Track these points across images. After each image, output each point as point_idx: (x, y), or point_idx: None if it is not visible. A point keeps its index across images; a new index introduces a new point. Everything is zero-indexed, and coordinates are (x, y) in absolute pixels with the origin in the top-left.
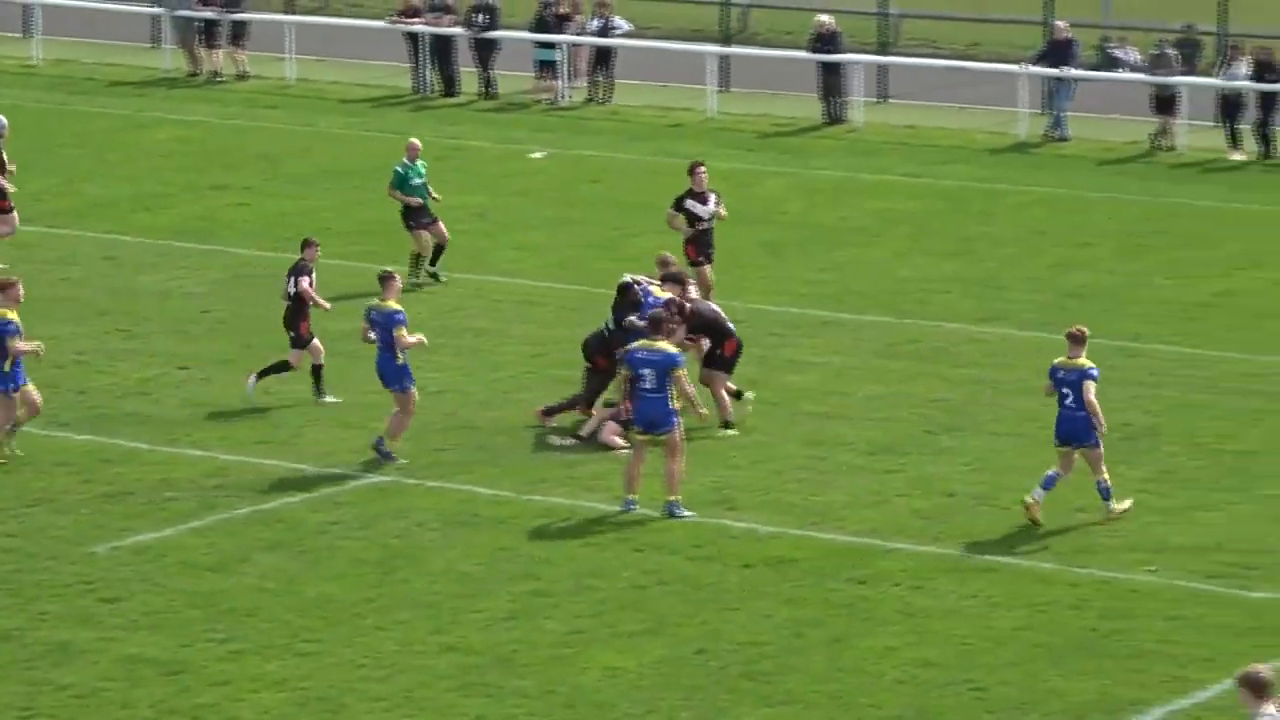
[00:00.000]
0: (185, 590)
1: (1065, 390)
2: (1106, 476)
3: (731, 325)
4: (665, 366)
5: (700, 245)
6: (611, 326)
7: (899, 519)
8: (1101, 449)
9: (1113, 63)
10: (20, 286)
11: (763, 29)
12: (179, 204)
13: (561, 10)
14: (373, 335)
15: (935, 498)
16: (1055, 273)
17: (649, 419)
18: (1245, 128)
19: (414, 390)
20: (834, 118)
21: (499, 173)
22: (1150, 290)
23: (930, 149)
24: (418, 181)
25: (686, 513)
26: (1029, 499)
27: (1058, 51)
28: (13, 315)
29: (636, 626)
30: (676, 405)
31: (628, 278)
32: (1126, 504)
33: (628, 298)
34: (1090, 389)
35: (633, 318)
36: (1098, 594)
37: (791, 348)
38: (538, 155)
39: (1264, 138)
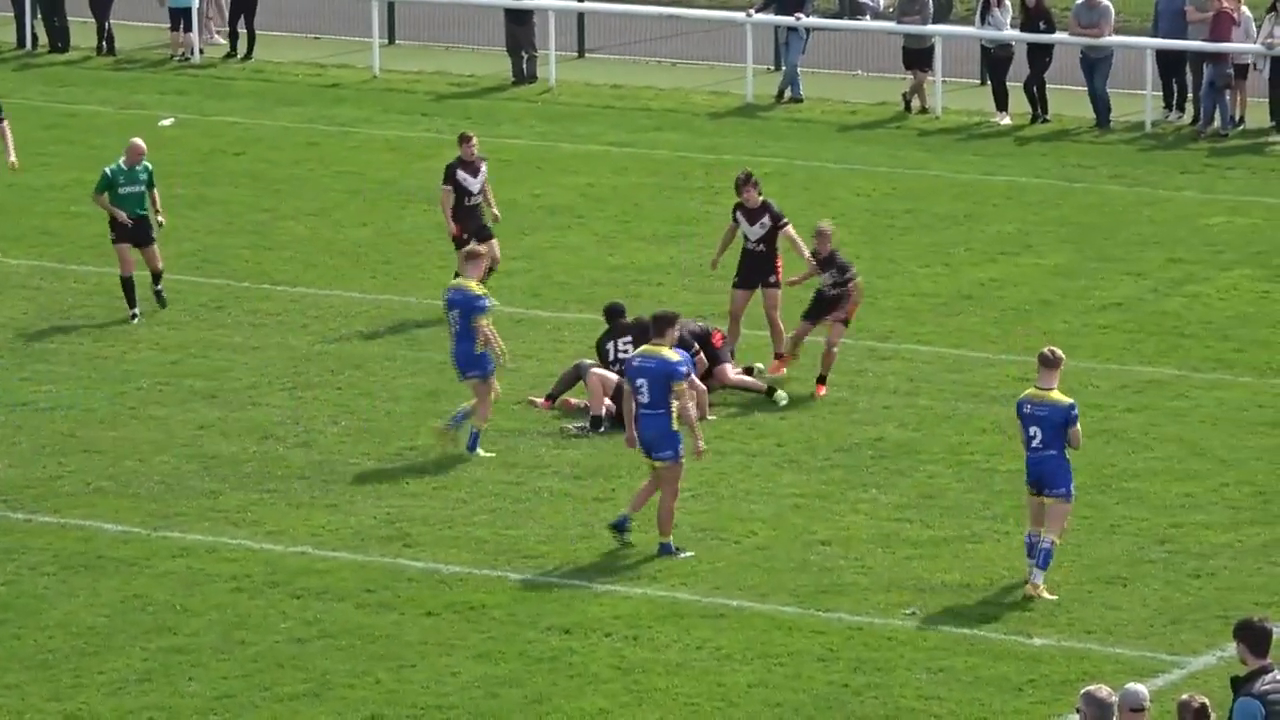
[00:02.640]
0: None
1: (1033, 430)
2: (1058, 540)
3: (699, 322)
4: (663, 377)
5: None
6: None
7: (610, 556)
8: (1070, 505)
9: (856, 9)
10: (485, 259)
11: None
12: None
13: None
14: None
15: (653, 530)
16: (791, 260)
17: (645, 440)
18: (1014, 86)
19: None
20: (524, 76)
21: (120, 143)
22: (903, 280)
23: (640, 113)
24: (131, 190)
25: (685, 553)
26: (1030, 590)
27: None
28: (483, 290)
29: (297, 688)
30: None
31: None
32: (1051, 596)
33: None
34: (1078, 436)
35: None
36: (848, 643)
37: None
38: (167, 122)
39: (1035, 99)
